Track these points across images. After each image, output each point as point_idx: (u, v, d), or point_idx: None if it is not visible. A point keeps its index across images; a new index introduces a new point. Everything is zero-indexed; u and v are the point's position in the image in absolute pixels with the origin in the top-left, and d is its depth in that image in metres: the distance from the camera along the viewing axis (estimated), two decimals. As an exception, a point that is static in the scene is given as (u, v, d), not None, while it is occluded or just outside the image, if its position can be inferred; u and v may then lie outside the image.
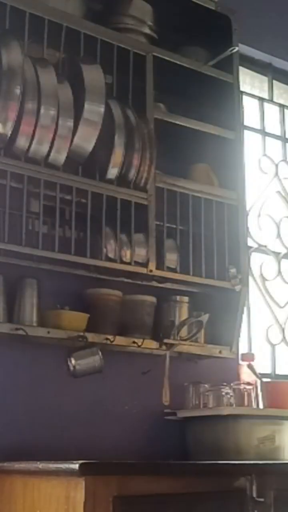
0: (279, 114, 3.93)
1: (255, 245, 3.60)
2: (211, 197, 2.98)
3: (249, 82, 3.81)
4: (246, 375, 3.04)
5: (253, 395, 2.89)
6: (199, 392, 2.90)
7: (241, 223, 3.06)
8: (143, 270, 2.74)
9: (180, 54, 3.03)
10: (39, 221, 2.53)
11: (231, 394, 2.85)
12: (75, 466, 1.82)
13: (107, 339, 2.67)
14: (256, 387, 2.92)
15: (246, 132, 3.59)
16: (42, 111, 2.47)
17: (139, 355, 2.84)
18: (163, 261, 2.81)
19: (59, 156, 2.54)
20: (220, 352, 2.96)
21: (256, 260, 3.60)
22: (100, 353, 2.58)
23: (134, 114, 2.76)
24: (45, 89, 2.49)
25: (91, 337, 2.62)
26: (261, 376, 3.01)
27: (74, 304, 2.67)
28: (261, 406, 2.89)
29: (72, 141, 2.56)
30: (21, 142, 2.46)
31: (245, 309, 3.08)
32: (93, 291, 2.75)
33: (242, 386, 2.90)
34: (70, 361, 2.55)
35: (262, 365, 3.38)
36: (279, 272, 3.68)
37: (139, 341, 2.74)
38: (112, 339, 2.68)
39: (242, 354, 3.09)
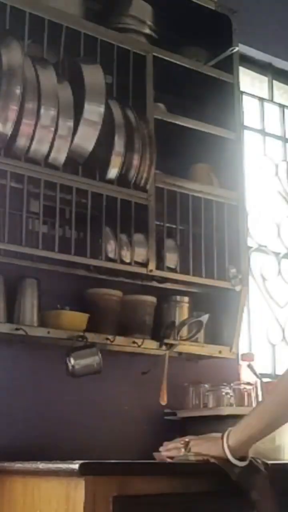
0: (279, 114, 3.93)
1: (255, 245, 3.60)
2: (211, 197, 2.98)
3: (249, 82, 3.81)
4: (246, 375, 3.04)
5: (253, 395, 2.89)
6: (199, 392, 2.90)
7: (241, 223, 3.06)
8: (143, 270, 2.74)
9: (180, 54, 3.03)
10: (39, 221, 2.53)
11: (231, 394, 2.84)
12: (75, 466, 1.82)
13: (107, 339, 2.67)
14: (256, 387, 2.91)
15: (246, 132, 3.59)
16: (42, 111, 2.47)
17: (139, 355, 2.84)
18: (163, 261, 2.81)
19: (59, 156, 2.54)
20: (220, 352, 2.96)
21: (256, 260, 3.60)
22: (99, 353, 2.58)
23: (134, 114, 2.76)
24: (45, 89, 2.49)
25: (91, 337, 2.62)
26: (261, 376, 3.01)
27: (74, 304, 2.67)
28: (261, 406, 2.89)
29: (72, 141, 2.56)
30: (21, 142, 2.46)
31: (245, 309, 3.08)
32: (93, 291, 2.75)
33: (242, 386, 2.89)
34: (69, 361, 2.55)
35: (262, 365, 3.38)
36: (279, 272, 3.68)
37: (139, 341, 2.74)
38: (112, 339, 2.68)
39: (242, 354, 3.09)
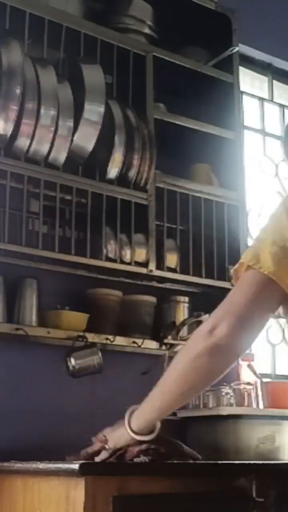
0: (279, 114, 3.93)
1: (255, 245, 3.59)
2: (211, 197, 2.98)
3: (249, 82, 3.81)
4: (246, 375, 3.03)
5: (253, 395, 2.89)
6: (199, 392, 2.90)
7: (241, 223, 3.06)
8: (143, 270, 2.74)
9: (180, 54, 3.03)
10: (39, 221, 2.53)
11: (231, 394, 2.84)
12: (75, 466, 1.82)
13: (107, 339, 2.67)
14: (256, 387, 2.91)
15: (246, 132, 3.59)
16: (42, 111, 2.47)
17: (139, 355, 2.83)
18: (163, 261, 2.81)
19: (59, 156, 2.54)
20: (220, 352, 2.96)
21: (256, 260, 3.59)
22: (99, 353, 2.58)
23: (134, 114, 2.77)
24: (45, 89, 2.49)
25: (91, 337, 2.62)
26: (261, 376, 3.01)
27: (74, 304, 2.67)
28: (261, 406, 2.89)
29: (72, 141, 2.56)
30: (21, 142, 2.46)
31: (245, 309, 3.07)
32: (93, 291, 2.75)
33: (242, 386, 2.89)
34: (70, 361, 2.55)
35: (262, 365, 3.38)
36: (279, 272, 3.66)
37: (139, 341, 2.74)
38: (112, 339, 2.68)
39: (242, 354, 3.08)
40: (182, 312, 2.94)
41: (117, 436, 1.91)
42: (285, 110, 3.95)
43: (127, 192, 2.73)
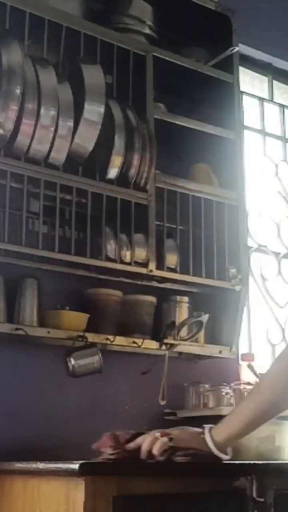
0: (279, 114, 3.93)
1: (255, 245, 3.60)
2: (211, 197, 2.98)
3: (249, 82, 3.81)
4: (246, 375, 3.03)
5: (253, 395, 2.88)
6: (199, 392, 2.90)
7: (241, 223, 3.06)
8: (143, 270, 2.74)
9: (180, 54, 3.03)
10: (39, 221, 2.53)
11: (231, 394, 2.84)
12: (75, 466, 1.82)
13: (107, 339, 2.67)
14: (256, 387, 2.91)
15: (246, 132, 3.59)
16: (42, 111, 2.47)
17: (139, 355, 2.83)
18: (163, 261, 2.81)
19: (59, 156, 2.54)
20: (220, 352, 2.96)
21: (256, 260, 3.60)
22: (99, 353, 2.58)
23: (134, 114, 2.76)
24: (45, 89, 2.49)
25: (91, 337, 2.62)
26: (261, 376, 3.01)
27: (74, 304, 2.67)
28: (261, 406, 2.88)
29: (72, 141, 2.56)
30: (21, 142, 2.46)
31: (245, 309, 3.08)
32: (93, 291, 2.75)
33: (242, 386, 2.89)
34: (70, 361, 2.55)
35: (262, 365, 3.38)
36: (279, 272, 3.67)
37: (139, 341, 2.74)
38: (112, 339, 2.68)
39: (242, 354, 3.09)
40: (182, 312, 2.94)
41: (190, 440, 2.02)
42: (285, 110, 3.95)
43: (127, 192, 2.73)
